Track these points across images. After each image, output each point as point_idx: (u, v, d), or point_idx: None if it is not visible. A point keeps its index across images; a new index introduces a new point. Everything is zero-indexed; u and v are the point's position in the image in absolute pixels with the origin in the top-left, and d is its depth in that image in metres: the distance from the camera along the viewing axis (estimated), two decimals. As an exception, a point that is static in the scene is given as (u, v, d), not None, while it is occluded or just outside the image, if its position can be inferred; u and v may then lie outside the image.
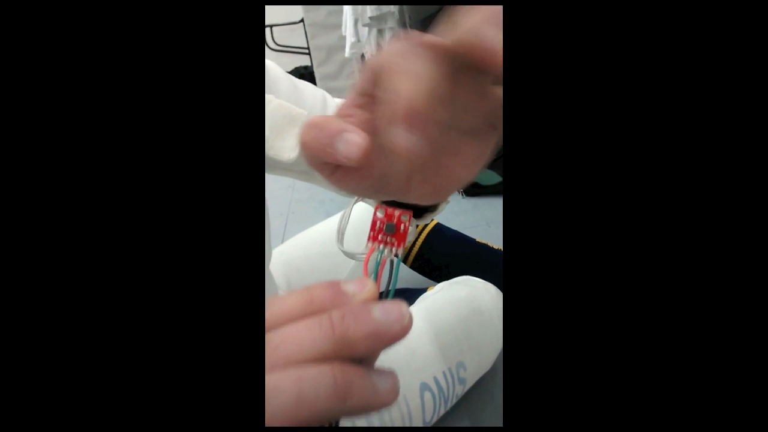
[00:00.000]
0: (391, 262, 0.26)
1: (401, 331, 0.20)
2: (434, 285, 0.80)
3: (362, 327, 0.20)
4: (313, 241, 0.84)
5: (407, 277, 0.92)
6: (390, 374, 0.21)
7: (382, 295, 0.24)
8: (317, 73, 2.31)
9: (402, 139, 0.18)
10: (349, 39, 1.72)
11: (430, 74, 0.20)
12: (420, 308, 0.69)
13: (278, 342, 0.20)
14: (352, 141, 0.21)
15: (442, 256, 0.84)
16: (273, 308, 0.21)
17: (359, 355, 0.20)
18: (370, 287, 0.22)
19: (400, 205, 0.27)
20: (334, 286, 0.22)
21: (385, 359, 0.56)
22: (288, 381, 0.19)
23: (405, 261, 0.87)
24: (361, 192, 0.26)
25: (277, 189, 1.63)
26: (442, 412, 0.66)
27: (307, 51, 2.50)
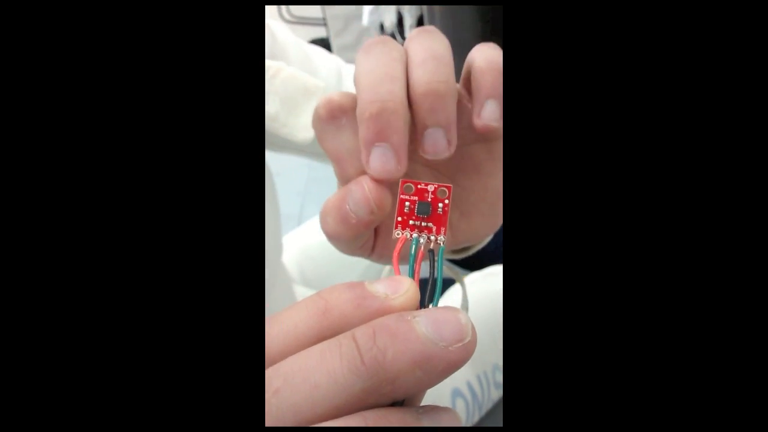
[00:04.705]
0: (432, 253, 0.19)
1: (462, 352, 0.14)
2: (465, 275, 0.72)
3: (404, 351, 0.13)
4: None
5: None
6: (449, 415, 0.15)
7: (423, 302, 0.18)
8: (334, 45, 2.22)
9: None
10: (367, 5, 1.63)
11: None
12: (449, 304, 0.62)
13: (281, 384, 0.13)
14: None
15: (473, 242, 0.76)
16: (272, 330, 0.15)
17: (403, 394, 0.14)
18: (408, 288, 0.16)
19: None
20: (357, 287, 0.15)
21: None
22: None
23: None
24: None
25: (291, 167, 1.55)
26: (477, 419, 0.60)
27: (323, 22, 2.43)
